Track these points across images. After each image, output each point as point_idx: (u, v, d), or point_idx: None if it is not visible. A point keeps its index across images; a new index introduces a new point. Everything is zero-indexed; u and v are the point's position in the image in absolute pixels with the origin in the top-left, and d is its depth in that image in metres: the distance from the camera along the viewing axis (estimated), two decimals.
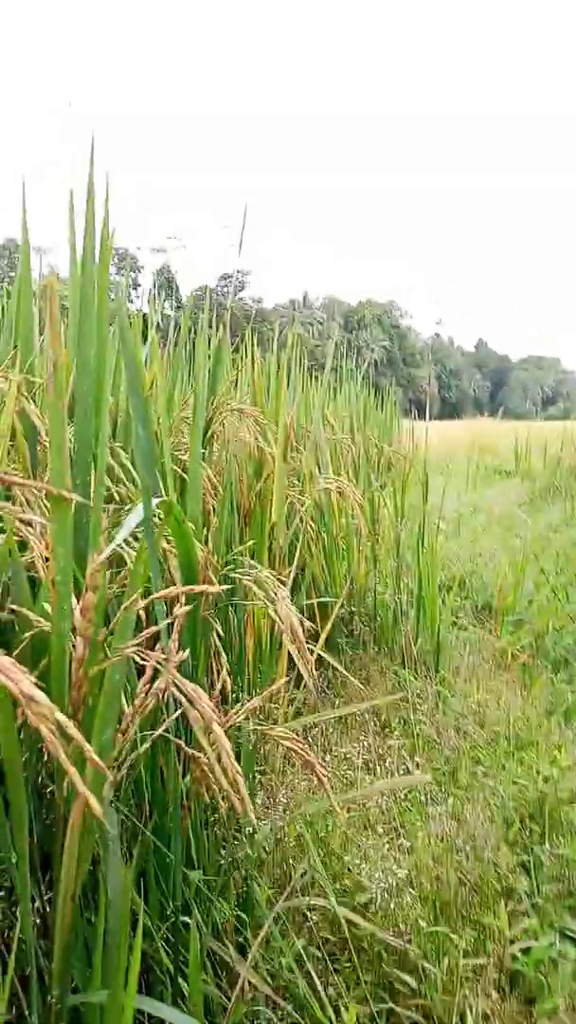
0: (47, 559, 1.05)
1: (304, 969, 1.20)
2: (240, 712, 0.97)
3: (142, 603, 0.85)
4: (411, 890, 1.34)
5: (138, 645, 0.84)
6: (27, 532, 1.07)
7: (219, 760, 0.80)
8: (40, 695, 0.61)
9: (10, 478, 0.76)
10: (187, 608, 0.83)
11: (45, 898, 0.93)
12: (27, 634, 1.00)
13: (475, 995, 1.22)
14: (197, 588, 0.81)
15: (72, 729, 0.62)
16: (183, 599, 1.00)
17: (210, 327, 1.94)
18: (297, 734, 1.08)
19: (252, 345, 1.87)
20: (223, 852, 1.27)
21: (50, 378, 0.80)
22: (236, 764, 0.79)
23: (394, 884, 1.34)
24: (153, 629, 0.84)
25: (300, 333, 1.93)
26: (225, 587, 0.86)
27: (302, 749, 0.99)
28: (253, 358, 1.86)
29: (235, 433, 1.67)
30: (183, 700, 0.81)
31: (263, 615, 1.64)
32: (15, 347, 1.30)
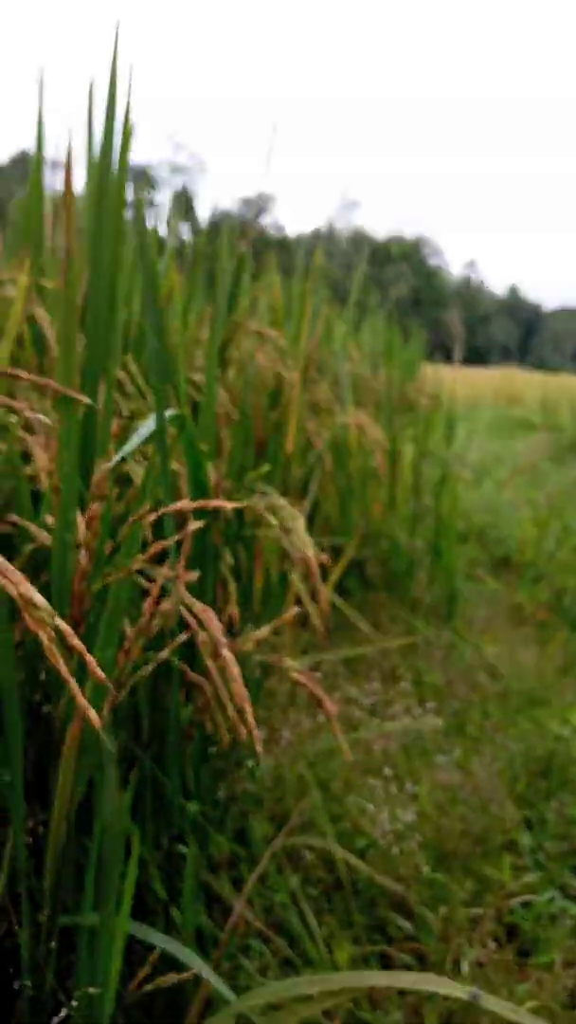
0: (50, 472, 1.00)
1: (298, 908, 1.18)
2: (248, 640, 0.91)
3: (151, 516, 0.79)
4: (414, 836, 1.31)
5: (146, 561, 0.78)
6: (31, 441, 1.01)
7: (226, 686, 0.74)
8: (40, 599, 0.56)
9: (16, 372, 0.70)
10: (198, 524, 0.77)
11: (39, 818, 0.89)
12: (27, 547, 0.95)
13: (471, 944, 1.20)
14: (211, 504, 0.75)
15: (73, 638, 0.57)
16: (192, 518, 0.94)
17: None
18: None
19: (274, 267, 1.78)
20: (221, 786, 1.24)
21: (63, 268, 0.73)
22: (244, 691, 0.73)
23: (395, 830, 1.30)
24: (162, 544, 0.78)
25: (322, 263, 1.84)
26: (239, 503, 0.80)
27: (310, 683, 0.94)
28: (274, 280, 1.78)
29: (252, 358, 1.59)
30: (192, 622, 0.75)
31: (273, 550, 1.58)
32: (25, 246, 1.22)
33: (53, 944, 0.84)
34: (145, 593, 0.93)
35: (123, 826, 0.83)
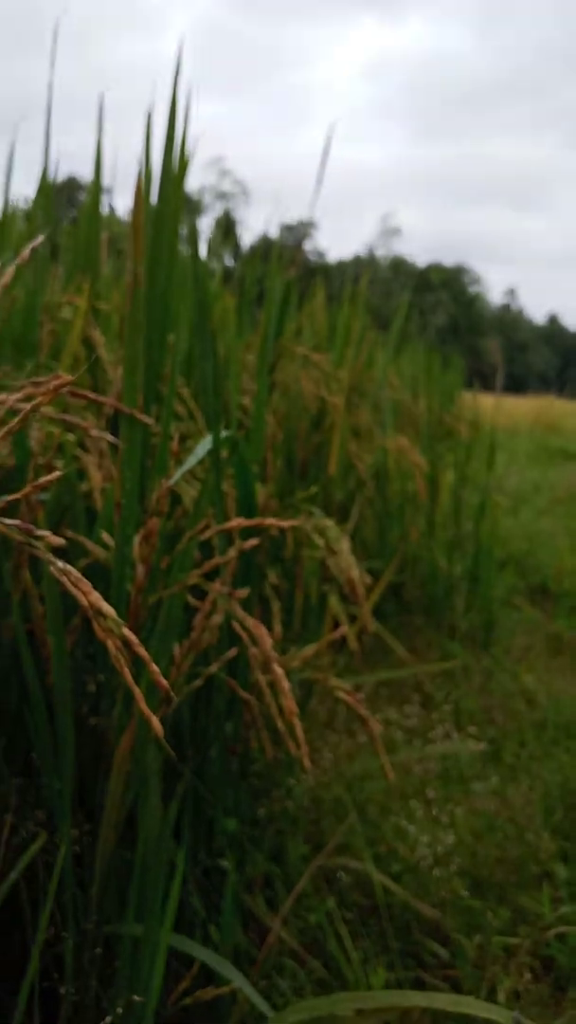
0: (103, 490, 1.03)
1: (333, 928, 1.18)
2: (296, 658, 0.93)
3: (207, 534, 0.82)
4: (450, 862, 1.30)
5: (200, 577, 0.80)
6: (85, 459, 1.05)
7: (276, 701, 0.76)
8: (108, 608, 0.58)
9: (84, 393, 0.73)
10: (253, 542, 0.79)
11: (84, 828, 0.91)
12: (82, 562, 0.97)
13: (506, 974, 1.19)
14: (266, 522, 0.77)
15: (139, 647, 0.59)
16: (238, 536, 0.96)
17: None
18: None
19: (320, 292, 1.81)
20: (258, 804, 1.24)
21: (129, 293, 0.76)
22: (294, 706, 0.75)
23: (431, 855, 1.30)
24: (216, 561, 0.80)
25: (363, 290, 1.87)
26: (291, 523, 0.82)
27: (356, 703, 0.95)
28: (319, 305, 1.81)
29: (296, 381, 1.62)
30: (244, 636, 0.77)
31: (312, 571, 1.60)
32: (80, 272, 1.26)
33: (98, 951, 0.86)
34: (188, 609, 0.96)
35: (167, 841, 0.84)
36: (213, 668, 0.85)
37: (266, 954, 1.04)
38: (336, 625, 1.66)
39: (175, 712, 1.07)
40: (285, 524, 0.79)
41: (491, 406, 2.91)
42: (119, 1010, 0.82)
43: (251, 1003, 0.94)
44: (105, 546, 0.91)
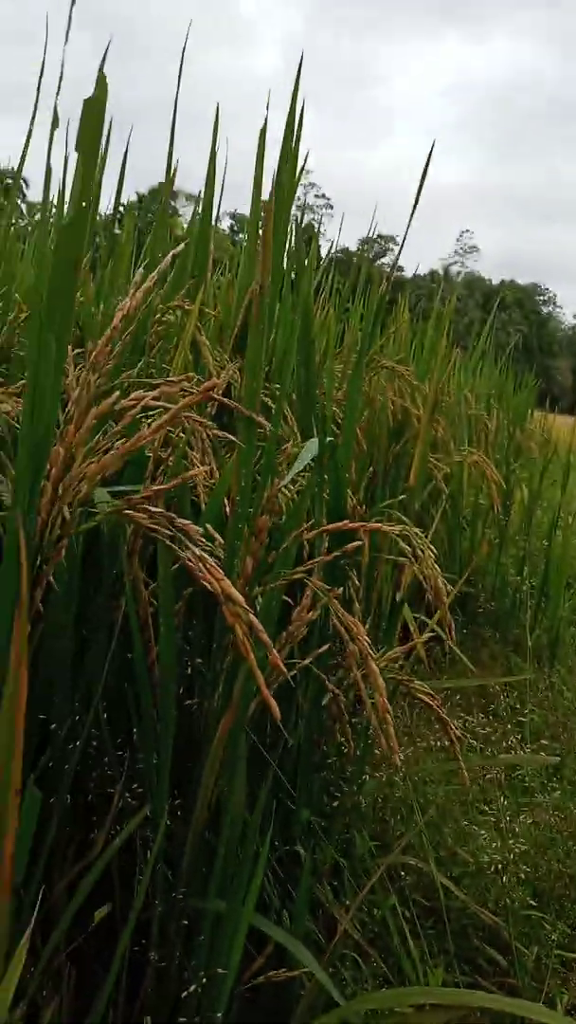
0: (209, 487, 1.08)
1: (396, 924, 1.21)
2: (383, 659, 0.97)
3: (311, 534, 0.86)
4: (511, 871, 1.32)
5: (304, 572, 0.84)
6: (193, 456, 1.10)
7: (370, 697, 0.80)
8: (238, 595, 0.63)
9: (219, 398, 0.78)
10: (356, 543, 0.83)
11: (175, 803, 0.96)
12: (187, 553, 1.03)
13: (565, 988, 1.20)
14: (371, 526, 0.81)
15: (263, 633, 0.64)
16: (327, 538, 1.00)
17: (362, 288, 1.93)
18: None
19: (404, 306, 1.85)
20: (328, 798, 1.28)
21: (256, 302, 0.81)
22: (387, 703, 0.79)
23: (493, 862, 1.32)
24: (320, 559, 0.85)
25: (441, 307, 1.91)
26: (392, 527, 0.86)
27: (437, 706, 0.99)
28: (403, 321, 1.84)
29: (381, 392, 1.65)
30: (342, 632, 0.81)
31: (386, 578, 1.63)
32: (193, 277, 1.32)
33: (184, 923, 0.91)
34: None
35: (254, 824, 0.88)
36: (307, 661, 0.90)
37: (336, 945, 1.08)
38: (405, 631, 1.70)
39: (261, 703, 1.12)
40: (388, 528, 0.83)
41: (567, 426, 2.90)
42: (203, 978, 0.87)
43: (320, 988, 0.98)
44: (210, 539, 0.96)
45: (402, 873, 1.32)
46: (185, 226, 1.88)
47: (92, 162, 0.63)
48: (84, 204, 0.64)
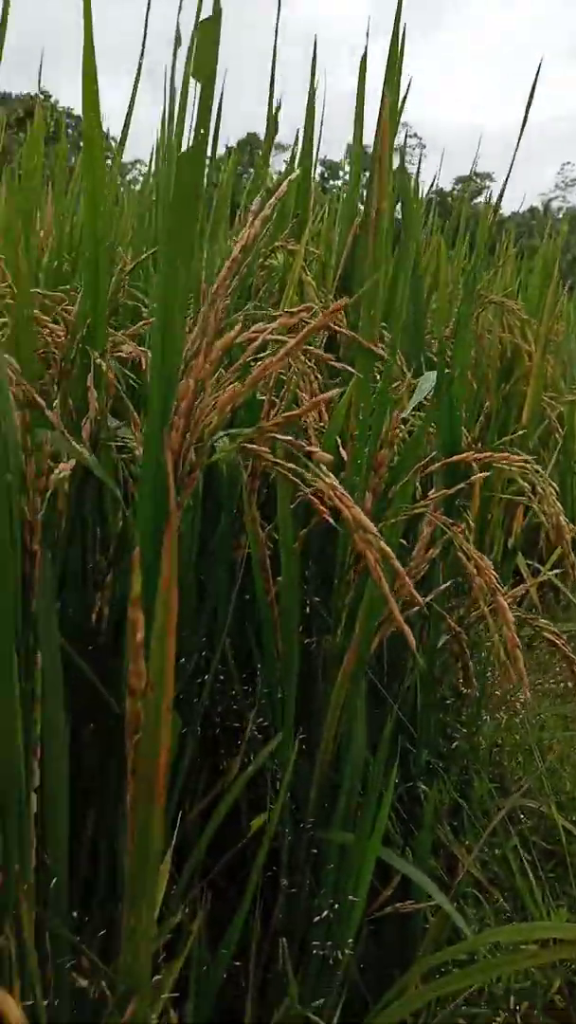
0: (319, 428, 1.07)
1: (518, 864, 1.20)
2: (507, 596, 0.94)
3: (433, 467, 0.84)
4: None
5: (425, 506, 0.83)
6: (303, 397, 1.09)
7: (499, 633, 0.78)
8: (369, 523, 0.62)
9: (340, 328, 0.77)
10: (483, 475, 0.81)
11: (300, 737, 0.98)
12: (299, 494, 1.03)
13: None
14: (496, 456, 0.79)
15: (394, 560, 0.63)
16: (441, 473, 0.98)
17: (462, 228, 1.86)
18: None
19: (508, 242, 1.77)
20: (445, 740, 1.28)
21: (373, 224, 0.79)
22: (517, 638, 0.77)
23: None
24: (443, 492, 0.83)
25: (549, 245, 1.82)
26: (518, 458, 0.83)
27: (564, 645, 0.96)
28: (509, 257, 1.77)
29: (489, 330, 1.60)
30: (469, 568, 0.79)
31: (498, 524, 1.59)
32: (295, 216, 1.30)
33: (314, 851, 0.93)
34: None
35: (383, 755, 0.89)
36: (430, 597, 0.89)
37: (460, 883, 1.08)
38: (518, 578, 1.66)
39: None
40: (513, 458, 0.80)
41: None
42: (333, 904, 0.89)
43: (444, 923, 0.99)
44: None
45: (521, 816, 1.31)
46: (275, 178, 1.85)
47: (210, 86, 0.62)
48: (203, 131, 0.63)
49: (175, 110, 0.61)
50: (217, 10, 0.62)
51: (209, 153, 1.49)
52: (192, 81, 0.61)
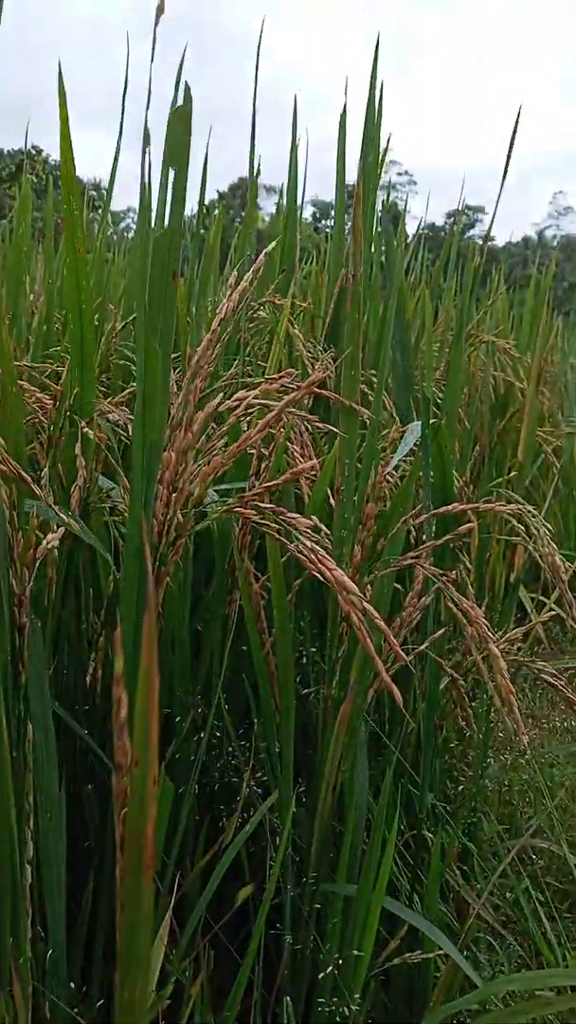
0: (311, 479, 1.09)
1: (531, 907, 1.19)
2: (501, 640, 0.95)
3: (421, 519, 0.86)
4: None
5: (414, 558, 0.84)
6: (293, 450, 1.11)
7: (493, 681, 0.79)
8: (351, 584, 0.63)
9: (322, 391, 0.79)
10: (469, 525, 0.82)
11: (299, 789, 0.98)
12: (292, 544, 1.04)
13: None
14: (483, 506, 0.80)
15: (379, 619, 0.64)
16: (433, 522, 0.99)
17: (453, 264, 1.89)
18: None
19: (500, 278, 1.80)
20: (451, 782, 1.27)
21: (351, 293, 0.81)
22: (511, 685, 0.77)
23: None
24: (430, 543, 0.84)
25: (539, 275, 1.85)
26: (507, 507, 0.84)
27: (563, 686, 0.96)
28: (501, 291, 1.79)
29: (481, 368, 1.62)
30: (458, 616, 0.80)
31: (499, 558, 1.60)
32: (282, 271, 1.33)
33: (317, 906, 0.92)
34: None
35: (381, 810, 0.89)
36: (424, 646, 0.89)
37: (470, 928, 1.07)
38: (521, 611, 1.66)
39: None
40: (500, 508, 0.81)
41: None
42: (338, 960, 0.89)
43: (456, 971, 0.98)
44: (317, 530, 0.97)
45: (532, 856, 1.30)
46: (266, 220, 1.89)
47: (183, 173, 0.65)
48: (177, 213, 0.65)
49: (147, 199, 0.63)
50: (187, 98, 0.65)
51: (196, 203, 1.52)
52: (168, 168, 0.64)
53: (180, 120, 0.64)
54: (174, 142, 0.62)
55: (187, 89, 0.65)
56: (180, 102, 0.64)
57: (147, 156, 0.57)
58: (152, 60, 0.58)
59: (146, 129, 0.55)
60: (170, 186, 0.64)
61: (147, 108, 0.57)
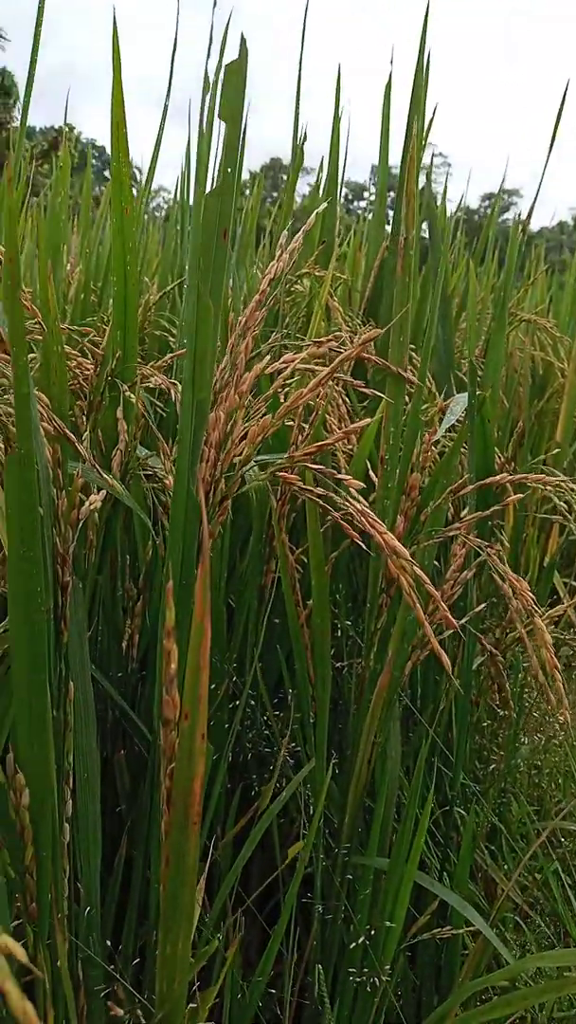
0: (348, 452, 1.07)
1: (560, 888, 1.18)
2: (546, 615, 0.93)
3: (467, 489, 0.84)
4: None
5: (457, 528, 0.83)
6: (331, 423, 1.10)
7: (537, 655, 0.78)
8: (402, 548, 0.62)
9: (370, 357, 0.77)
10: (518, 496, 0.81)
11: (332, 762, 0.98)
12: (328, 518, 1.03)
13: None
14: (531, 477, 0.79)
15: (429, 584, 0.63)
16: (474, 495, 0.98)
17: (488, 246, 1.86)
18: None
19: (539, 258, 1.77)
20: (481, 762, 1.27)
21: (401, 252, 0.79)
22: (556, 660, 0.76)
23: None
24: (477, 515, 0.83)
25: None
26: (554, 479, 0.83)
27: None
28: (540, 273, 1.76)
29: (520, 347, 1.59)
30: (505, 589, 0.79)
31: (533, 542, 1.58)
32: (322, 243, 1.31)
33: (349, 876, 0.92)
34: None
35: (414, 788, 0.88)
36: (465, 620, 0.88)
37: (500, 908, 1.07)
38: (553, 597, 1.64)
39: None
40: (547, 479, 0.80)
41: None
42: (370, 930, 0.88)
43: (485, 948, 0.97)
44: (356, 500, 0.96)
45: (562, 839, 1.29)
46: (298, 200, 1.87)
47: (236, 126, 0.64)
48: (229, 170, 0.64)
49: (204, 153, 0.62)
50: (243, 52, 0.64)
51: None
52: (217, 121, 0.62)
53: (235, 73, 0.62)
54: (231, 94, 0.60)
55: (243, 42, 0.64)
56: (236, 55, 0.63)
57: (205, 105, 0.55)
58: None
59: (206, 75, 0.54)
60: (222, 139, 0.62)
61: (207, 57, 0.56)
